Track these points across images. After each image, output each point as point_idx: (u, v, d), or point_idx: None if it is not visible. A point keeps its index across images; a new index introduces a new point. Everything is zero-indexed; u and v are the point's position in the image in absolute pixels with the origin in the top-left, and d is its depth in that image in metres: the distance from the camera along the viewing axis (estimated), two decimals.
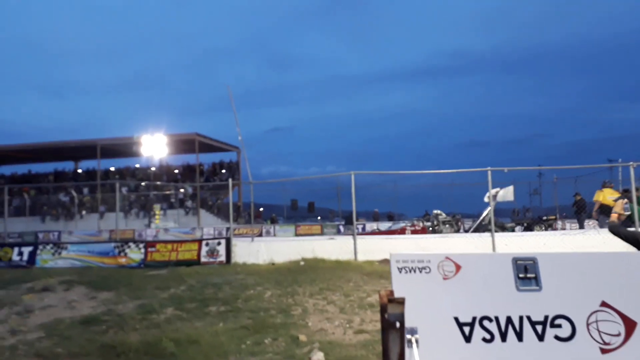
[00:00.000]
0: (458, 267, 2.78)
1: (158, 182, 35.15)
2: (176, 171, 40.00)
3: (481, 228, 14.86)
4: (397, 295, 2.75)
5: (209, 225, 30.03)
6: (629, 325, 2.52)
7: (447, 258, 2.81)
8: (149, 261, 12.27)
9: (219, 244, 12.31)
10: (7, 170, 44.01)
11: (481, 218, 15.35)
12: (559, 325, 2.57)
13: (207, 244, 12.34)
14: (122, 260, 12.41)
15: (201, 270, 10.51)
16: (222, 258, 12.05)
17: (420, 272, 2.79)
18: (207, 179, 38.03)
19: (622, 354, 2.49)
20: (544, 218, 18.40)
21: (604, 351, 2.50)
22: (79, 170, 42.41)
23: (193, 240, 13.54)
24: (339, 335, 5.01)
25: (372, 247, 11.74)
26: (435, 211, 19.13)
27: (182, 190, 34.56)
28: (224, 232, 25.05)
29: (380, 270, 8.75)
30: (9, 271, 11.81)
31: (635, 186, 11.92)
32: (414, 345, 2.57)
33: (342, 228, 27.16)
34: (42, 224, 33.27)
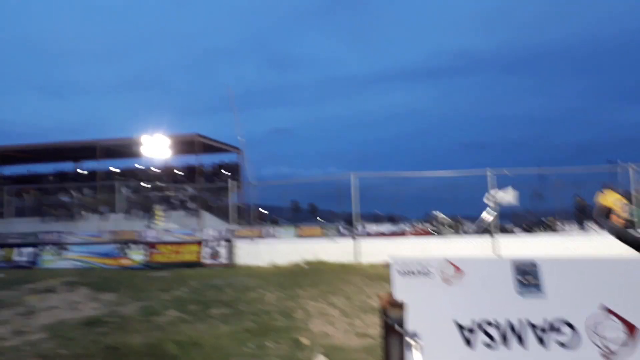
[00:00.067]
0: (459, 271, 2.80)
1: (159, 183, 35.20)
2: (177, 172, 40.03)
3: (482, 230, 14.86)
4: (397, 298, 2.78)
5: (210, 226, 30.05)
6: (630, 330, 2.53)
7: (448, 262, 2.83)
8: (151, 262, 12.31)
9: (220, 245, 12.34)
10: (8, 170, 44.11)
11: (481, 219, 15.35)
12: (560, 330, 2.59)
13: (208, 246, 12.38)
14: (124, 262, 12.46)
15: (203, 272, 10.55)
16: (224, 260, 12.09)
17: (421, 275, 2.81)
18: (208, 180, 38.05)
19: (623, 359, 2.51)
20: (545, 220, 18.40)
21: (604, 356, 2.52)
22: (80, 171, 42.48)
23: (195, 242, 13.59)
24: (341, 338, 5.02)
25: (373, 249, 11.77)
26: (436, 213, 19.14)
27: (183, 191, 34.60)
28: (225, 234, 25.06)
29: (383, 273, 8.76)
30: (11, 272, 11.86)
31: (635, 188, 11.92)
32: (415, 349, 2.59)
33: (343, 230, 27.16)
34: (44, 225, 33.30)
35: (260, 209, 36.14)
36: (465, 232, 17.68)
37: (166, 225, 29.34)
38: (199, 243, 12.82)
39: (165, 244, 13.21)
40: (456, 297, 2.73)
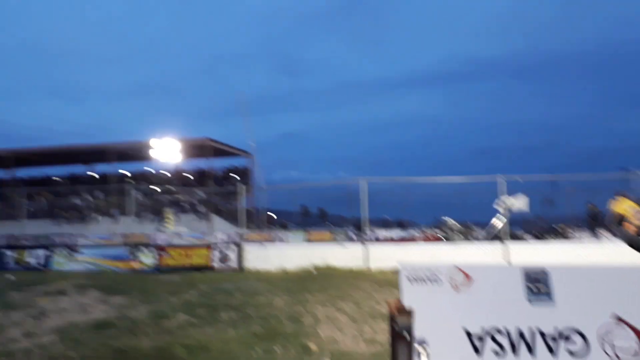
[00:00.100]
0: (468, 279, 2.78)
1: (171, 187, 35.45)
2: (189, 176, 40.29)
3: (493, 237, 14.75)
4: (406, 305, 2.76)
5: (220, 230, 30.19)
6: None
7: (457, 269, 2.81)
8: (162, 266, 12.38)
9: (230, 249, 12.37)
10: (25, 173, 44.71)
11: (490, 225, 15.24)
12: (571, 339, 2.56)
13: (218, 250, 12.41)
14: (135, 265, 12.54)
15: (213, 276, 10.58)
16: (234, 264, 12.12)
17: (430, 282, 2.79)
18: (219, 184, 38.25)
19: None
20: (556, 228, 18.22)
21: None
22: (94, 174, 42.93)
23: (205, 246, 13.64)
24: (349, 344, 5.00)
25: (383, 254, 11.74)
26: (446, 219, 19.04)
27: (194, 194, 34.79)
28: (235, 238, 25.14)
29: (392, 279, 8.72)
30: (25, 274, 11.99)
31: None
32: (422, 356, 2.57)
33: (352, 235, 27.13)
34: (57, 227, 33.68)
35: (269, 213, 36.22)
36: (475, 239, 17.56)
37: (176, 229, 29.53)
38: (209, 247, 12.86)
39: (175, 248, 13.28)
40: (465, 305, 2.71)
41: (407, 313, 2.77)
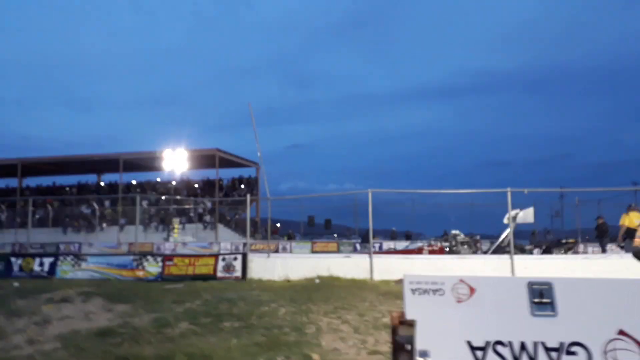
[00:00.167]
0: (472, 290, 2.76)
1: (178, 197, 35.58)
2: (196, 186, 40.47)
3: (500, 250, 14.64)
4: (409, 316, 2.75)
5: (226, 240, 30.21)
6: None
7: (461, 280, 2.79)
8: (167, 275, 12.39)
9: (235, 259, 12.37)
10: (33, 182, 45.08)
11: (500, 240, 15.13)
12: (575, 353, 2.53)
13: (223, 259, 12.42)
14: (140, 273, 12.56)
15: (217, 285, 10.57)
16: (238, 273, 12.10)
17: (434, 294, 2.78)
18: (226, 194, 38.36)
19: None
20: (564, 241, 18.05)
21: None
22: (102, 183, 43.22)
23: (210, 255, 13.66)
24: (352, 355, 4.96)
25: (388, 266, 11.67)
26: (453, 231, 18.93)
27: (200, 204, 34.89)
28: (241, 247, 25.15)
29: (396, 290, 8.66)
30: (30, 281, 12.05)
31: None
32: None
33: (358, 246, 27.04)
34: (64, 236, 33.87)
35: (276, 224, 36.20)
36: (483, 252, 17.43)
37: (183, 238, 29.60)
38: (214, 256, 12.87)
39: (181, 257, 13.29)
40: (469, 317, 2.69)
41: (409, 324, 2.76)
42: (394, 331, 2.86)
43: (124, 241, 28.00)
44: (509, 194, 11.91)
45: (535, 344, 2.58)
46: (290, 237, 32.13)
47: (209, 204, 35.46)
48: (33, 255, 14.50)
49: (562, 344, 2.55)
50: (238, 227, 35.07)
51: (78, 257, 13.61)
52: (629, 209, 13.51)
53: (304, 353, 4.91)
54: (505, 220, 13.75)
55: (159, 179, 41.70)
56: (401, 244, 25.35)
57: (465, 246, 17.74)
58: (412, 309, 2.74)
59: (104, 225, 34.76)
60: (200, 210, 35.88)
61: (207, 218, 35.29)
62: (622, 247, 14.03)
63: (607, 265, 10.91)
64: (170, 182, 40.34)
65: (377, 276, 11.29)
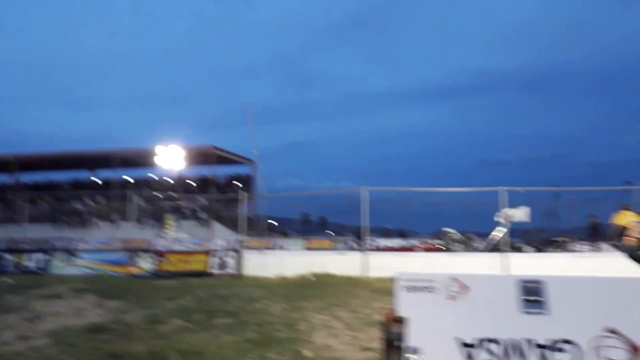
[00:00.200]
0: (464, 288, 2.76)
1: (173, 193, 35.46)
2: (192, 183, 40.33)
3: (493, 248, 14.67)
4: (401, 314, 2.74)
5: (221, 237, 30.10)
6: (636, 352, 2.46)
7: (453, 278, 2.79)
8: (160, 271, 12.34)
9: (229, 256, 12.34)
10: (28, 178, 44.80)
11: (490, 237, 15.16)
12: (564, 350, 2.53)
13: (217, 256, 12.39)
14: (133, 270, 12.52)
15: (210, 282, 10.55)
16: (232, 270, 12.08)
17: (426, 291, 2.78)
18: (221, 191, 38.26)
19: None
20: (557, 240, 18.12)
21: None
22: (96, 180, 43.00)
23: (203, 252, 13.62)
24: (344, 352, 4.96)
25: (382, 263, 11.67)
26: (447, 230, 18.96)
27: (195, 201, 34.81)
28: (235, 245, 25.08)
29: (390, 287, 8.65)
30: (23, 277, 11.98)
31: None
32: None
33: (353, 243, 27.02)
34: (57, 232, 33.66)
35: (270, 221, 36.18)
36: (476, 249, 17.47)
37: (176, 235, 29.48)
38: (208, 253, 12.84)
39: (174, 253, 13.26)
40: (460, 314, 2.69)
41: (400, 322, 2.75)
42: (386, 328, 2.85)
43: (117, 238, 27.87)
44: (500, 193, 11.95)
45: (526, 342, 2.58)
46: (285, 235, 32.08)
47: (203, 201, 35.37)
48: (26, 251, 14.42)
49: (552, 341, 2.55)
50: (233, 224, 34.95)
51: (71, 253, 13.55)
52: (622, 208, 13.56)
53: (296, 350, 4.91)
54: (497, 219, 13.77)
55: (154, 176, 41.53)
56: (396, 242, 25.38)
57: (459, 244, 17.77)
58: (404, 306, 2.74)
59: (98, 221, 34.59)
60: (195, 207, 35.77)
61: (202, 215, 35.18)
62: (614, 246, 14.10)
63: (600, 263, 10.97)
64: (165, 179, 40.19)
65: (371, 273, 11.29)
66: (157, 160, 35.51)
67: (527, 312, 2.64)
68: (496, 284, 2.84)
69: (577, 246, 21.18)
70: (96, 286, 9.39)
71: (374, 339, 5.31)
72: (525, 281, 2.72)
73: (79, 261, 13.05)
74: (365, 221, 12.70)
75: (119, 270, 12.58)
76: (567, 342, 2.54)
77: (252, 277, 11.60)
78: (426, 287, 2.79)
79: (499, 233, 13.71)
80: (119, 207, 33.81)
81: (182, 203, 35.38)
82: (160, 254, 13.01)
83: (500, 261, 11.18)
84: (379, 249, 23.11)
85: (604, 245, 18.00)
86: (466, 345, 2.63)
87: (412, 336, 2.65)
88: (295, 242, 27.57)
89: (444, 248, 17.56)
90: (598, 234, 17.72)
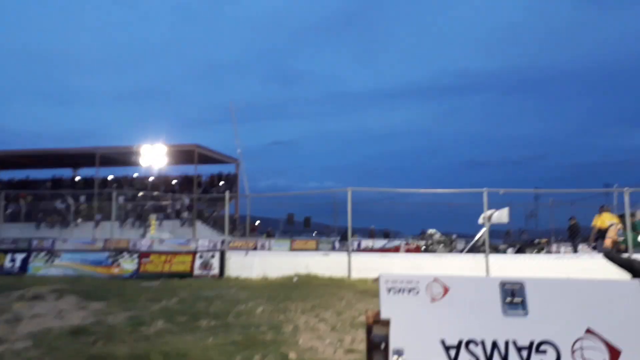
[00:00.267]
0: (446, 290, 2.80)
1: (155, 192, 35.10)
2: (174, 182, 39.96)
3: (475, 249, 14.84)
4: (385, 315, 2.77)
5: (204, 237, 29.91)
6: (614, 354, 2.53)
7: (436, 280, 2.83)
8: (142, 272, 12.22)
9: (213, 256, 12.28)
10: (5, 175, 43.91)
11: (475, 239, 15.35)
12: (544, 352, 2.58)
13: (201, 257, 12.31)
14: (115, 270, 12.37)
15: (194, 283, 10.48)
16: (216, 271, 12.02)
17: (409, 293, 2.80)
18: (204, 191, 38.00)
19: None
20: (537, 241, 18.41)
21: None
22: (77, 178, 42.35)
23: (187, 252, 13.53)
24: (329, 354, 4.99)
25: (366, 264, 11.73)
26: (430, 230, 19.14)
27: (178, 200, 34.52)
28: (219, 245, 24.95)
29: (374, 288, 8.72)
30: (1, 278, 11.74)
31: (630, 212, 11.96)
32: None
33: (337, 244, 27.09)
34: (37, 231, 33.09)
35: (255, 221, 36.04)
36: (459, 251, 17.66)
37: (160, 235, 29.21)
38: (191, 253, 12.76)
39: (158, 254, 13.12)
40: (443, 316, 2.72)
41: (384, 323, 2.78)
42: (369, 330, 2.87)
43: (99, 237, 27.50)
44: (484, 194, 12.09)
45: (507, 343, 2.62)
46: (270, 235, 31.99)
47: (187, 201, 35.10)
48: (4, 251, 14.13)
49: (532, 342, 2.60)
50: (216, 224, 34.78)
51: (51, 253, 13.32)
52: (601, 210, 13.84)
53: (281, 352, 4.92)
54: (480, 220, 13.95)
55: (136, 175, 41.08)
56: (379, 242, 25.52)
57: (442, 245, 17.95)
58: (387, 307, 2.76)
59: (79, 220, 34.10)
60: (178, 207, 35.47)
61: (185, 215, 34.91)
62: (593, 248, 14.38)
63: (579, 265, 11.17)
64: (147, 178, 39.77)
65: (355, 274, 11.35)
66: (140, 158, 35.12)
67: (509, 314, 2.69)
68: (478, 285, 2.88)
69: (557, 247, 21.57)
70: (77, 287, 9.26)
71: (358, 340, 5.35)
72: (507, 283, 2.76)
73: (59, 261, 12.84)
74: (349, 222, 12.76)
75: (100, 270, 12.42)
76: (546, 343, 2.59)
77: (236, 278, 11.57)
78: (409, 289, 2.81)
79: (481, 234, 13.89)
80: (101, 206, 33.37)
81: (166, 202, 35.07)
82: (143, 254, 12.88)
83: (481, 262, 11.33)
84: (363, 249, 23.22)
85: (583, 247, 18.36)
86: (449, 346, 2.67)
87: (395, 338, 2.68)
88: (280, 243, 27.53)
89: (427, 249, 17.73)
90: (577, 235, 18.05)
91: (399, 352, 2.65)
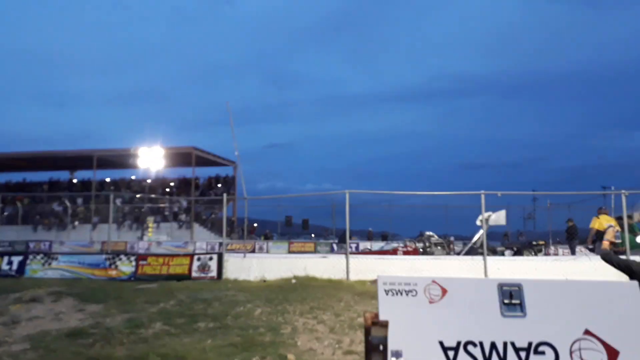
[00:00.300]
0: (444, 291, 2.81)
1: (152, 195, 35.06)
2: (172, 184, 39.93)
3: (472, 251, 14.87)
4: (383, 317, 2.77)
5: (202, 239, 29.90)
6: (612, 354, 2.54)
7: (434, 281, 2.83)
8: (140, 274, 12.19)
9: (210, 259, 12.26)
10: (2, 178, 43.80)
11: (473, 241, 15.39)
12: (543, 352, 2.59)
13: (198, 259, 12.29)
14: (113, 273, 12.33)
15: (192, 285, 10.46)
16: (214, 273, 11.99)
17: (407, 294, 2.81)
18: (202, 193, 37.97)
19: None
20: (534, 243, 18.45)
21: None
22: (74, 180, 42.27)
23: (185, 255, 13.51)
24: (327, 355, 4.99)
25: (364, 266, 11.72)
26: (427, 233, 19.18)
27: (176, 203, 34.48)
28: (216, 247, 24.92)
29: (372, 290, 8.73)
30: None
31: (627, 214, 12.00)
32: None
33: (335, 246, 27.10)
34: (34, 234, 33.03)
35: (253, 224, 36.02)
36: (456, 253, 17.70)
37: (157, 237, 29.18)
38: (189, 256, 12.73)
39: (155, 256, 13.09)
40: (441, 317, 2.73)
41: (383, 325, 2.79)
42: (368, 332, 2.88)
43: (96, 240, 27.45)
44: (482, 197, 12.11)
45: (505, 344, 2.63)
46: (268, 237, 31.98)
47: (184, 203, 35.06)
48: (1, 254, 14.09)
49: (530, 343, 2.61)
50: (214, 226, 34.75)
51: (48, 255, 13.28)
52: (599, 212, 13.86)
53: (280, 353, 4.91)
54: (478, 222, 13.98)
55: (133, 177, 41.02)
56: (377, 245, 25.55)
57: (439, 247, 17.99)
58: (386, 309, 2.77)
59: (76, 223, 34.02)
60: (176, 209, 35.44)
61: (183, 217, 34.87)
62: (591, 250, 14.40)
63: (576, 266, 11.20)
64: (145, 180, 39.72)
65: (353, 276, 11.34)
66: (138, 161, 35.09)
67: (507, 315, 2.70)
68: (476, 287, 2.89)
69: (555, 249, 21.63)
70: (75, 290, 9.24)
71: (357, 342, 5.35)
72: (505, 285, 2.77)
73: (56, 264, 12.80)
74: (347, 224, 12.76)
75: (98, 273, 12.39)
76: (545, 344, 2.60)
77: (234, 280, 11.55)
78: (407, 290, 2.82)
79: (479, 236, 13.92)
80: (98, 208, 33.31)
81: (163, 205, 35.03)
82: (140, 257, 12.85)
83: (479, 264, 11.34)
84: (361, 251, 23.24)
85: (581, 249, 18.40)
86: (447, 348, 2.68)
87: (394, 339, 2.68)
88: (278, 245, 27.54)
89: (424, 251, 17.75)
90: (575, 237, 18.08)
91: (397, 354, 2.66)
